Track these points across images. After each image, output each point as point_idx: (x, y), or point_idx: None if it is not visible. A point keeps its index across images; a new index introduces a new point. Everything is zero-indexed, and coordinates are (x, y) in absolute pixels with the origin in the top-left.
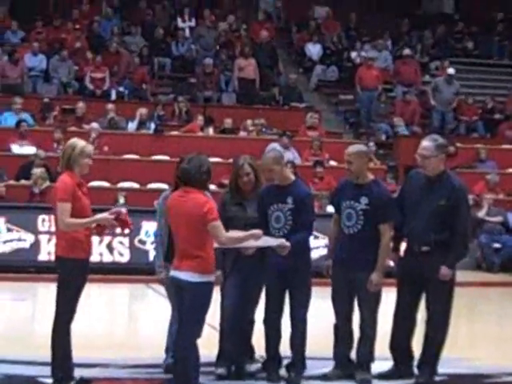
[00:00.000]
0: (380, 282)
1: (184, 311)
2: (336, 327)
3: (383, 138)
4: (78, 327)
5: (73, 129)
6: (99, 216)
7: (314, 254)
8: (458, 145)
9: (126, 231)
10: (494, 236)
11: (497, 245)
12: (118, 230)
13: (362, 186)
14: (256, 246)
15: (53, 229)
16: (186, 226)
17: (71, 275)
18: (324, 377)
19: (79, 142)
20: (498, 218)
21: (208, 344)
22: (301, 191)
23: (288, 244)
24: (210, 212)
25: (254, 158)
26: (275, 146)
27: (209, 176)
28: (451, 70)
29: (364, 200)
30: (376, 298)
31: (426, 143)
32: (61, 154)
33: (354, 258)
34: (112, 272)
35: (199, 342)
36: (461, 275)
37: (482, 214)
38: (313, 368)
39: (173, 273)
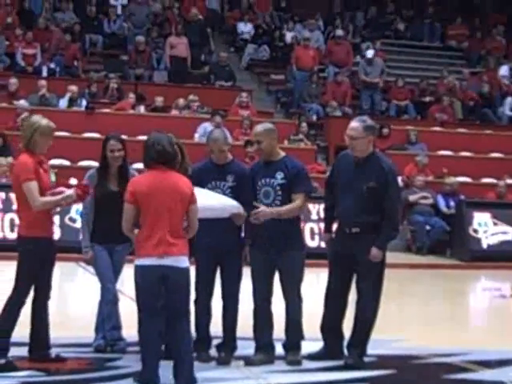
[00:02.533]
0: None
1: (177, 299)
2: (256, 311)
3: (314, 118)
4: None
5: (3, 105)
6: (68, 193)
7: None
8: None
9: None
10: (424, 218)
11: (427, 227)
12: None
13: (276, 162)
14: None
15: None
16: (180, 207)
17: (31, 254)
18: (248, 360)
19: (41, 121)
20: (428, 200)
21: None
22: (242, 169)
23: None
24: (194, 192)
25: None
26: (207, 125)
27: None
28: (369, 53)
29: (280, 175)
30: (298, 278)
31: (354, 124)
32: (21, 131)
33: (274, 237)
34: None
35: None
36: (391, 257)
37: (414, 198)
38: (242, 348)
39: (156, 261)
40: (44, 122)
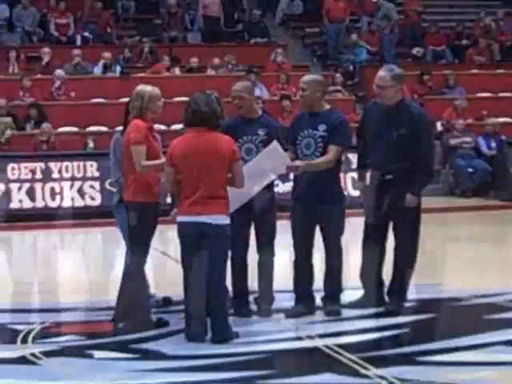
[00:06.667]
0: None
1: (214, 255)
2: (296, 263)
3: (351, 68)
4: (51, 273)
5: (39, 76)
6: None
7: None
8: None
9: None
10: (466, 161)
11: (469, 169)
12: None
13: (319, 114)
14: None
15: (22, 176)
16: (218, 167)
17: (141, 219)
18: (287, 312)
19: (146, 89)
20: (470, 143)
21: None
22: (273, 123)
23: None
24: (236, 150)
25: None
26: None
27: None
28: None
29: (322, 127)
30: (340, 229)
31: (381, 73)
32: (130, 103)
33: (314, 190)
34: (84, 216)
35: None
36: (434, 201)
37: (455, 141)
38: (282, 300)
39: (194, 218)
40: (148, 88)
